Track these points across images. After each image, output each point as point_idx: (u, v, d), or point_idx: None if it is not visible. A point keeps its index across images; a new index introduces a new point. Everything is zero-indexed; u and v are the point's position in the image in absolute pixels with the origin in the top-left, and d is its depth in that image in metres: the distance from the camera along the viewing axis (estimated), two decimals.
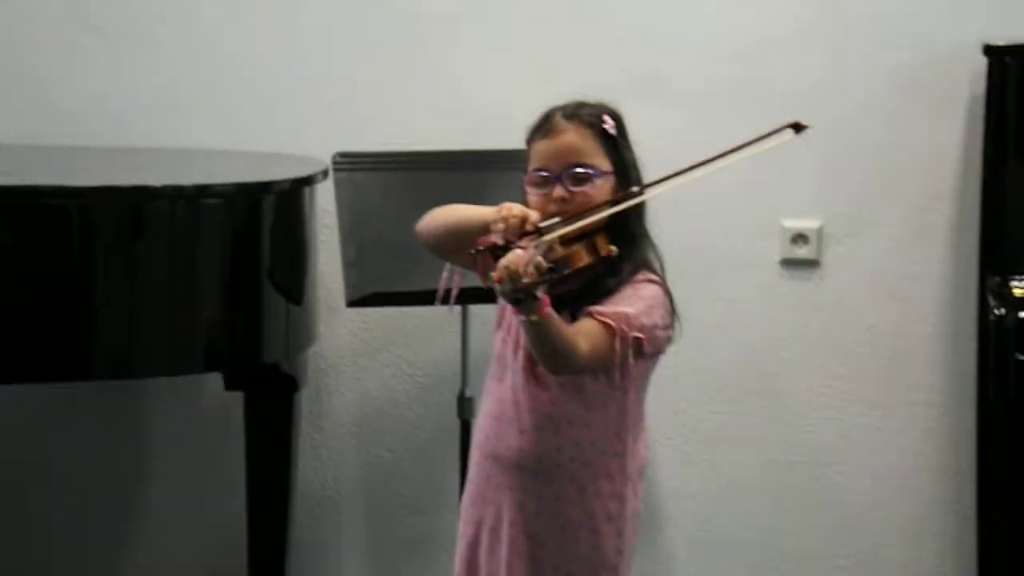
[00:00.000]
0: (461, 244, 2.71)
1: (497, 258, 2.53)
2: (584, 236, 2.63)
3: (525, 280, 2.46)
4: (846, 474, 3.88)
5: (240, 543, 3.59)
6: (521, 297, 2.48)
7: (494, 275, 2.48)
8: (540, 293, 2.49)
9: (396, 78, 3.86)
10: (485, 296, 2.72)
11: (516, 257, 2.47)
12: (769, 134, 2.65)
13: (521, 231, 2.57)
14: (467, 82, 3.84)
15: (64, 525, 3.98)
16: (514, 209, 2.61)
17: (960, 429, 3.81)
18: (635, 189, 2.71)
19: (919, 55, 3.72)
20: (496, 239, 2.57)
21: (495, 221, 2.59)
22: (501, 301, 2.75)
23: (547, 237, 2.57)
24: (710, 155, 2.66)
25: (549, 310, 2.53)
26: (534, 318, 2.52)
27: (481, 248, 2.58)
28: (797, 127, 2.64)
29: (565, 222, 2.62)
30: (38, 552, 3.98)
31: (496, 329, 2.81)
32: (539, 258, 2.49)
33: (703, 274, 3.80)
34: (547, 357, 2.61)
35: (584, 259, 2.60)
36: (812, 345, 3.85)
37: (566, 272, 2.56)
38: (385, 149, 3.69)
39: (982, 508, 3.69)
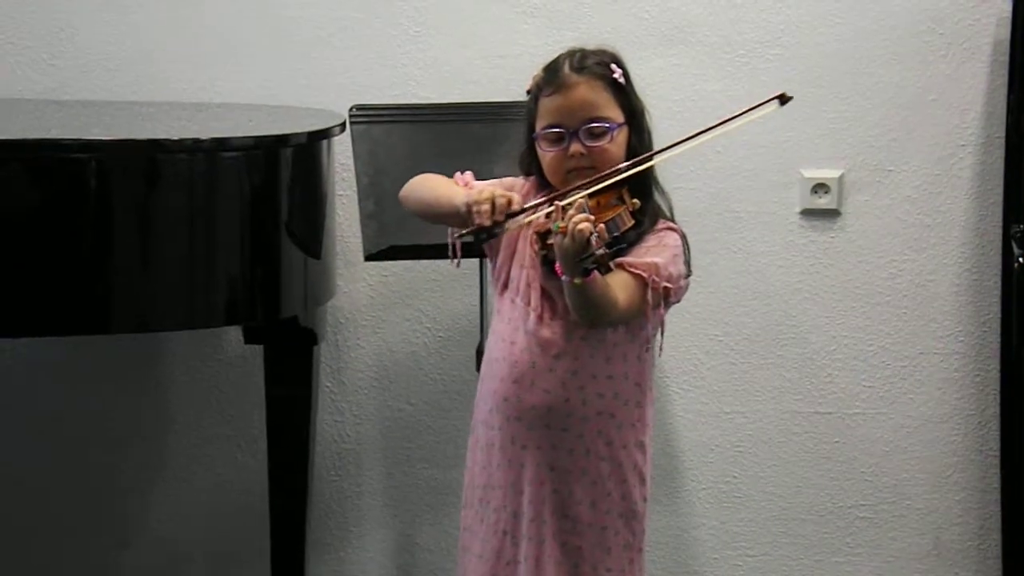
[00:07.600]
0: (438, 221, 2.73)
1: (545, 244, 2.55)
2: (612, 193, 2.62)
3: (598, 252, 2.45)
4: (868, 424, 3.86)
5: (261, 496, 3.59)
6: (592, 267, 2.47)
7: (565, 240, 2.47)
8: (611, 261, 2.50)
9: (409, 30, 3.83)
10: None
11: (585, 227, 2.45)
12: (756, 106, 2.68)
13: (506, 211, 2.57)
14: (478, 33, 3.81)
15: (84, 478, 3.98)
16: (496, 191, 2.60)
17: (983, 377, 3.79)
18: (639, 158, 2.70)
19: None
20: (483, 221, 2.57)
21: (475, 203, 2.58)
22: (499, 266, 2.75)
23: (577, 197, 2.55)
24: (704, 127, 2.69)
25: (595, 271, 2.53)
26: (579, 280, 2.51)
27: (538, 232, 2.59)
28: (783, 98, 2.67)
29: (588, 184, 2.62)
30: (57, 503, 3.99)
31: (499, 293, 2.78)
32: (601, 226, 2.49)
33: (723, 226, 3.78)
34: (587, 313, 2.61)
35: (627, 220, 2.59)
36: (833, 295, 3.83)
37: (618, 235, 2.55)
38: (401, 102, 3.67)
39: (1005, 456, 3.68)
